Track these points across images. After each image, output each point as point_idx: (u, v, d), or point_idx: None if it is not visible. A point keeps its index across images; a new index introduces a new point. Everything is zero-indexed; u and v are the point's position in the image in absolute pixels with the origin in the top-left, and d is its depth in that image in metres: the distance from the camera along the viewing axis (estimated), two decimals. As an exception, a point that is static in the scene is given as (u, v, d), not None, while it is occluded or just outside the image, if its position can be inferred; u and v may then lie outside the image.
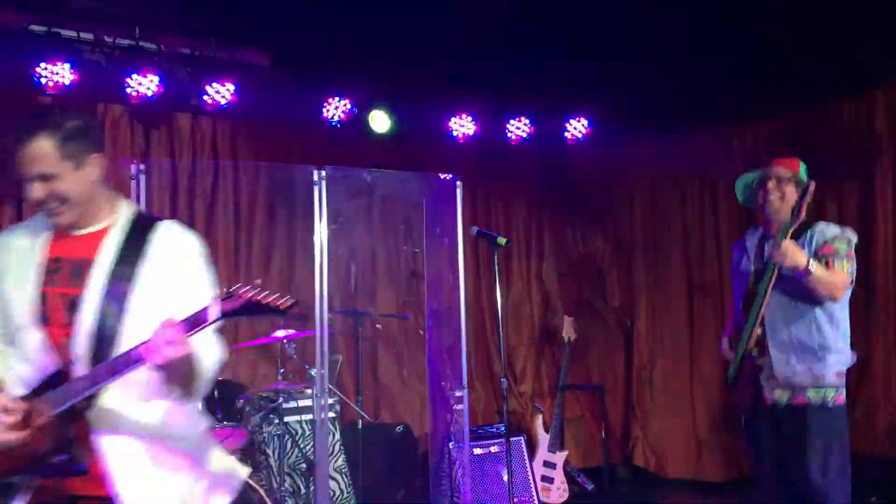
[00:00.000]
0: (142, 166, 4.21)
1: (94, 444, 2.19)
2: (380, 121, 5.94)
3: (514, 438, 5.84)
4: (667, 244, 7.02)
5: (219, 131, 5.87)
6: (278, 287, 1.96)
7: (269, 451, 5.04)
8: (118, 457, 2.20)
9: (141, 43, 5.25)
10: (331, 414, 5.18)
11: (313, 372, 4.97)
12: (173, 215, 5.59)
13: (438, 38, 5.23)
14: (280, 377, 5.21)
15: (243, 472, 2.50)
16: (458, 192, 5.38)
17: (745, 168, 3.89)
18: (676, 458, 6.82)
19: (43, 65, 4.90)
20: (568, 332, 6.39)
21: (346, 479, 5.27)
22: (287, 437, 5.02)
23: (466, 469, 5.43)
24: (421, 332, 5.83)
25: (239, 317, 1.94)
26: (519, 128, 6.47)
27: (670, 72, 5.70)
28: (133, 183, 4.18)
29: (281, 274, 5.90)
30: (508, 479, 4.78)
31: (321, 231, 4.78)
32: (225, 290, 1.96)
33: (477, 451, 5.68)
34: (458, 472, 5.47)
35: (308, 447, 5.12)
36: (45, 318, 2.22)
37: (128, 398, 2.22)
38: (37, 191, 2.18)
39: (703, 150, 6.61)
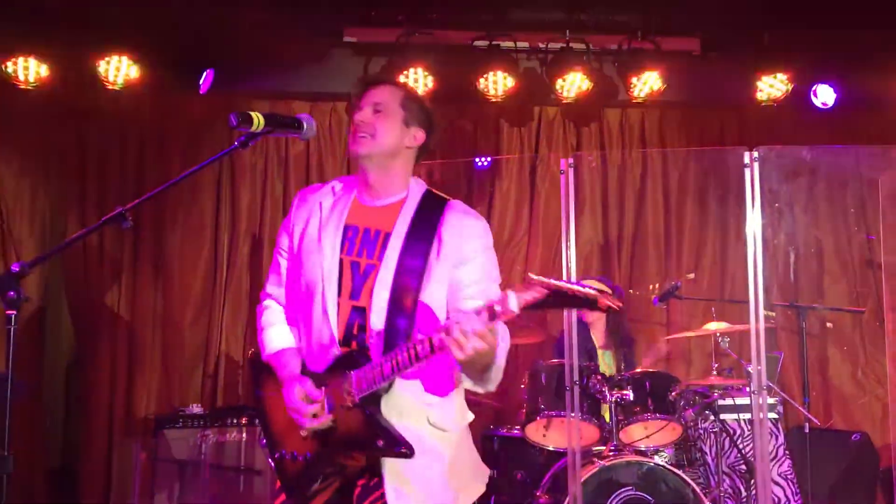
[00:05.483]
0: (570, 160, 4.34)
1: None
2: (824, 94, 5.45)
3: None
4: None
5: (647, 122, 5.88)
6: (710, 279, 1.82)
7: (706, 449, 4.93)
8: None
9: (571, 45, 5.48)
10: (773, 415, 4.96)
11: (750, 368, 4.69)
12: (604, 208, 5.73)
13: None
14: (714, 372, 5.01)
15: (486, 469, 2.41)
16: (925, 165, 4.65)
17: None
18: None
19: (485, 76, 5.34)
20: None
21: (792, 487, 5.00)
22: (724, 435, 4.85)
23: (942, 491, 4.67)
24: (880, 327, 5.23)
25: (539, 309, 1.77)
26: None
27: None
28: (562, 177, 4.33)
29: (714, 265, 5.70)
30: None
31: (754, 217, 4.48)
32: (525, 279, 1.80)
33: (957, 470, 4.86)
34: (931, 493, 4.77)
35: (747, 448, 4.92)
36: (340, 287, 2.19)
37: (415, 386, 2.16)
38: (364, 114, 2.28)
39: None
